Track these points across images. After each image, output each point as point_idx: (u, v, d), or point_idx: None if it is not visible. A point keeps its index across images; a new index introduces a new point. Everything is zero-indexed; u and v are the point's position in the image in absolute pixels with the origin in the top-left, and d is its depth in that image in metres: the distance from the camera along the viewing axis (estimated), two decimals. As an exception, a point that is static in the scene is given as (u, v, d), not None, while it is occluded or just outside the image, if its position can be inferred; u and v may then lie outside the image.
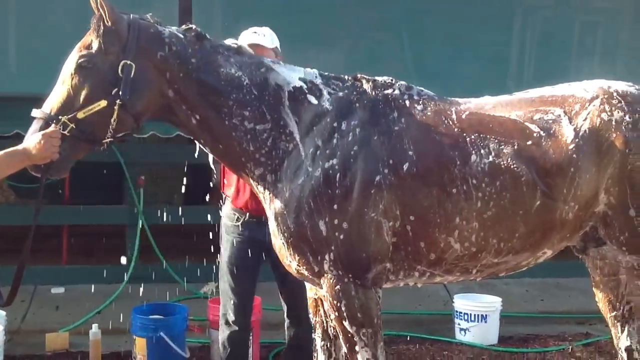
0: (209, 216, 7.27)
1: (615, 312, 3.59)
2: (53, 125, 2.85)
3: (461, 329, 5.73)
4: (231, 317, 4.15)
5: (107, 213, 7.08)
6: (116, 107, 2.88)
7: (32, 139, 2.83)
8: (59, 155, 2.86)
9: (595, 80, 3.31)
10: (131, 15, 3.00)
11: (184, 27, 3.10)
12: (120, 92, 2.87)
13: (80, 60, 2.91)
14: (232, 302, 4.13)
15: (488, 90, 3.40)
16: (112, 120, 2.89)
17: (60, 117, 2.86)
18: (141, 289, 6.33)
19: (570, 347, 5.60)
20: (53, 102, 2.93)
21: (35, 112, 2.92)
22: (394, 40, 6.27)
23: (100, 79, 2.89)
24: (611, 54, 6.94)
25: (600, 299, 3.63)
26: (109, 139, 2.95)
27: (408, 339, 5.64)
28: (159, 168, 8.65)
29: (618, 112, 3.12)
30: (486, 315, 5.67)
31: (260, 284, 6.39)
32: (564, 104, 3.16)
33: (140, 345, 4.81)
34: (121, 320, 5.38)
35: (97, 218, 7.08)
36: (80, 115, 2.87)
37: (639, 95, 3.23)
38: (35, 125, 2.90)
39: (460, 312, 5.75)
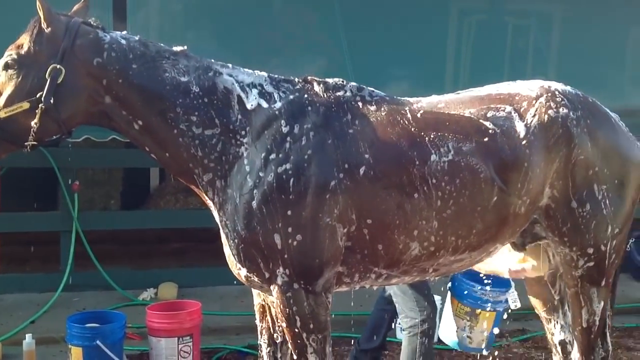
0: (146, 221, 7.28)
1: (547, 307, 3.69)
2: None
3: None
4: None
5: (40, 220, 6.90)
6: (38, 111, 2.80)
7: None
8: None
9: (533, 80, 3.40)
10: (72, 19, 2.92)
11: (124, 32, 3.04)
12: (45, 97, 2.80)
13: (7, 59, 2.84)
14: None
15: (425, 92, 3.42)
16: (34, 123, 2.81)
17: None
18: (77, 297, 6.29)
19: (508, 343, 5.69)
20: None
21: None
22: (332, 42, 6.28)
23: (25, 80, 2.82)
24: (542, 57, 7.11)
25: (533, 294, 3.73)
26: (32, 142, 2.87)
27: (352, 341, 5.62)
28: (95, 173, 8.49)
29: (563, 109, 3.21)
30: (426, 314, 5.71)
31: (197, 289, 6.37)
32: (512, 101, 3.23)
33: (76, 355, 4.69)
34: (56, 329, 5.25)
35: (30, 225, 6.89)
36: (2, 114, 2.80)
37: (576, 94, 3.35)
38: None
39: (401, 312, 5.77)
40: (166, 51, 3.01)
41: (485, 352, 4.26)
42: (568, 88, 3.36)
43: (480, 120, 3.14)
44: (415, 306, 4.17)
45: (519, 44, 7.03)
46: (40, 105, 2.80)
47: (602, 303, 3.39)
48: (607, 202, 3.24)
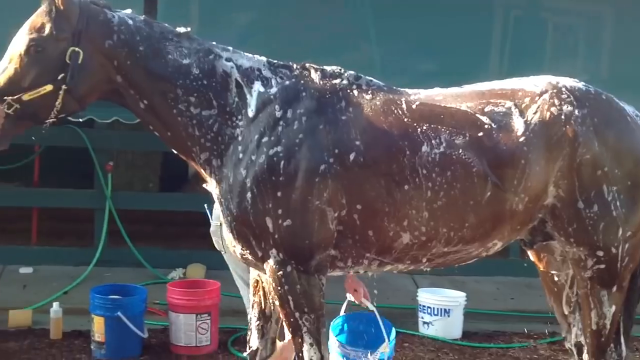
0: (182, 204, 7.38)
1: (565, 308, 3.62)
2: None
3: (424, 322, 5.75)
4: None
5: (76, 197, 7.08)
6: (61, 92, 2.92)
7: None
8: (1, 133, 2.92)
9: (543, 76, 3.36)
10: None
11: (129, 10, 3.13)
12: (68, 79, 2.91)
13: (30, 44, 2.92)
14: None
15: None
16: (57, 103, 2.93)
17: (5, 97, 2.89)
18: (109, 273, 6.42)
19: (535, 344, 5.60)
20: None
21: None
22: (359, 34, 6.28)
23: (48, 64, 2.92)
24: (593, 55, 6.95)
25: (551, 295, 3.65)
26: (52, 119, 3.00)
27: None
28: (134, 156, 8.66)
29: (567, 106, 3.17)
30: (449, 309, 5.67)
31: (224, 272, 6.39)
32: (514, 97, 3.20)
33: (98, 324, 4.86)
34: (86, 301, 5.31)
35: (65, 201, 7.11)
36: (26, 97, 2.90)
37: (587, 91, 3.28)
38: None
39: (424, 306, 5.75)
40: (170, 32, 3.11)
41: None
42: (579, 84, 3.30)
43: (477, 115, 3.14)
44: None
45: (559, 42, 6.89)
46: (63, 87, 2.91)
47: (614, 307, 3.31)
48: (618, 203, 3.17)
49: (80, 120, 5.92)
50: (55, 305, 5.23)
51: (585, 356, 3.49)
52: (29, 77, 2.91)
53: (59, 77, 2.91)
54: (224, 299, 5.29)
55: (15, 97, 2.89)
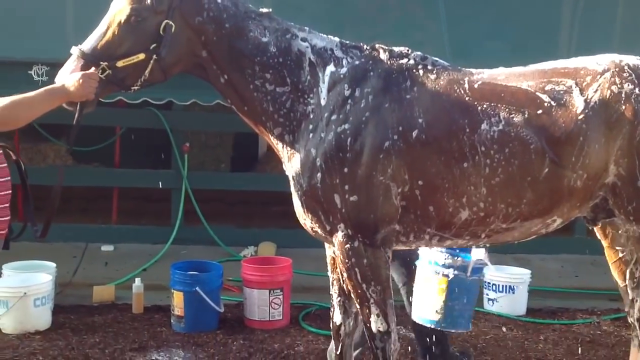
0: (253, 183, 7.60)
1: (628, 283, 3.66)
2: (93, 68, 3.06)
3: (489, 299, 5.84)
4: None
5: (154, 177, 7.36)
6: (152, 62, 3.11)
7: (72, 78, 3.02)
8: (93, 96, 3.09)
9: (608, 54, 3.39)
10: None
11: None
12: (160, 50, 3.10)
13: (132, 13, 3.08)
14: None
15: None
16: (146, 72, 3.13)
17: (101, 62, 3.07)
18: (184, 250, 6.66)
19: (598, 320, 5.64)
20: (96, 44, 3.11)
21: (76, 50, 3.10)
22: (430, 14, 6.30)
23: (144, 34, 3.10)
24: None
25: (613, 269, 3.71)
26: (137, 87, 3.19)
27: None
28: (207, 137, 8.87)
29: (628, 84, 3.20)
30: (514, 286, 5.76)
31: (294, 250, 6.59)
32: (576, 75, 3.25)
33: (177, 299, 5.08)
34: (164, 277, 5.58)
35: (144, 181, 7.38)
36: (120, 64, 3.09)
37: None
38: (76, 63, 3.10)
39: (489, 283, 5.84)
40: (253, 12, 3.28)
41: (451, 329, 3.78)
42: None
43: (537, 93, 3.20)
44: None
45: (631, 21, 6.76)
46: (154, 57, 3.10)
47: None
48: None
49: (159, 102, 6.08)
50: (137, 280, 5.49)
51: (648, 329, 3.57)
52: (126, 45, 3.10)
53: (151, 47, 3.10)
54: (295, 276, 5.48)
55: (110, 62, 3.08)
